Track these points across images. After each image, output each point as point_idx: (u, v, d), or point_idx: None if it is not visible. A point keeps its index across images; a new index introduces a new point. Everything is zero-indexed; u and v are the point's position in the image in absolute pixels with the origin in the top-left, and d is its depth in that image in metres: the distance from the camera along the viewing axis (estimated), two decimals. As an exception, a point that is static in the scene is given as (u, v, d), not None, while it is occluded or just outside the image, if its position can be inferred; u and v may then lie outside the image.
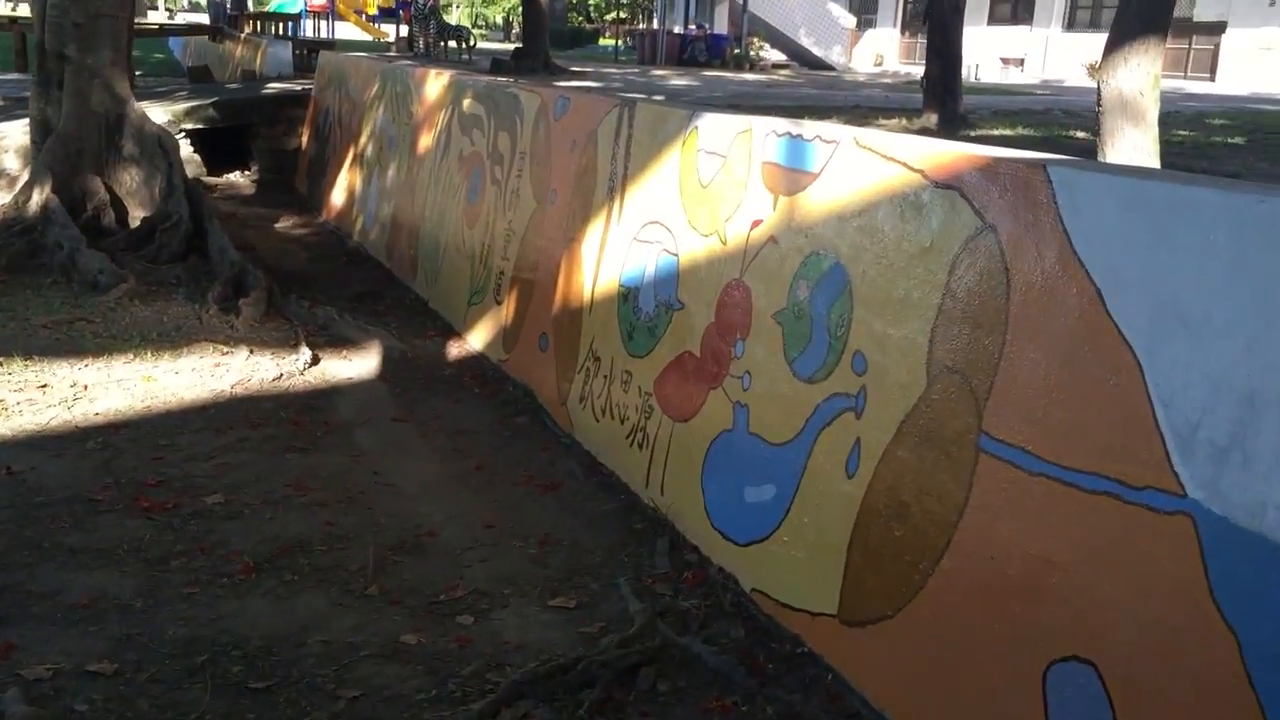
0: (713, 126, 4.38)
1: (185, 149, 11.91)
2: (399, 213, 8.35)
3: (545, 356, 5.58)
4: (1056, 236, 2.72)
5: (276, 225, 10.28)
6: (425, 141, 7.97)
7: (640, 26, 47.19)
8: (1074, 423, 2.60)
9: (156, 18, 47.63)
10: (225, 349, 6.05)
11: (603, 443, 4.93)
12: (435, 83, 8.02)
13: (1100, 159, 8.87)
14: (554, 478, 4.81)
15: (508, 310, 6.13)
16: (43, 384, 5.37)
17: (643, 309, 4.71)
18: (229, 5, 30.07)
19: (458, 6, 61.14)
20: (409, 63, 9.96)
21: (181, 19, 46.21)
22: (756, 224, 3.98)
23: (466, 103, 7.28)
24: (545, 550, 4.10)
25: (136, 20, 32.84)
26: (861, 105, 14.22)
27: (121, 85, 7.80)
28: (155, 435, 4.95)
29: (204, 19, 35.62)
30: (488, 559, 4.01)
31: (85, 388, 5.38)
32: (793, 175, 3.82)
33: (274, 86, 13.83)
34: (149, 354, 5.88)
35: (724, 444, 4.05)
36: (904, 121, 11.24)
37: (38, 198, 7.35)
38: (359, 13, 38.94)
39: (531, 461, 4.98)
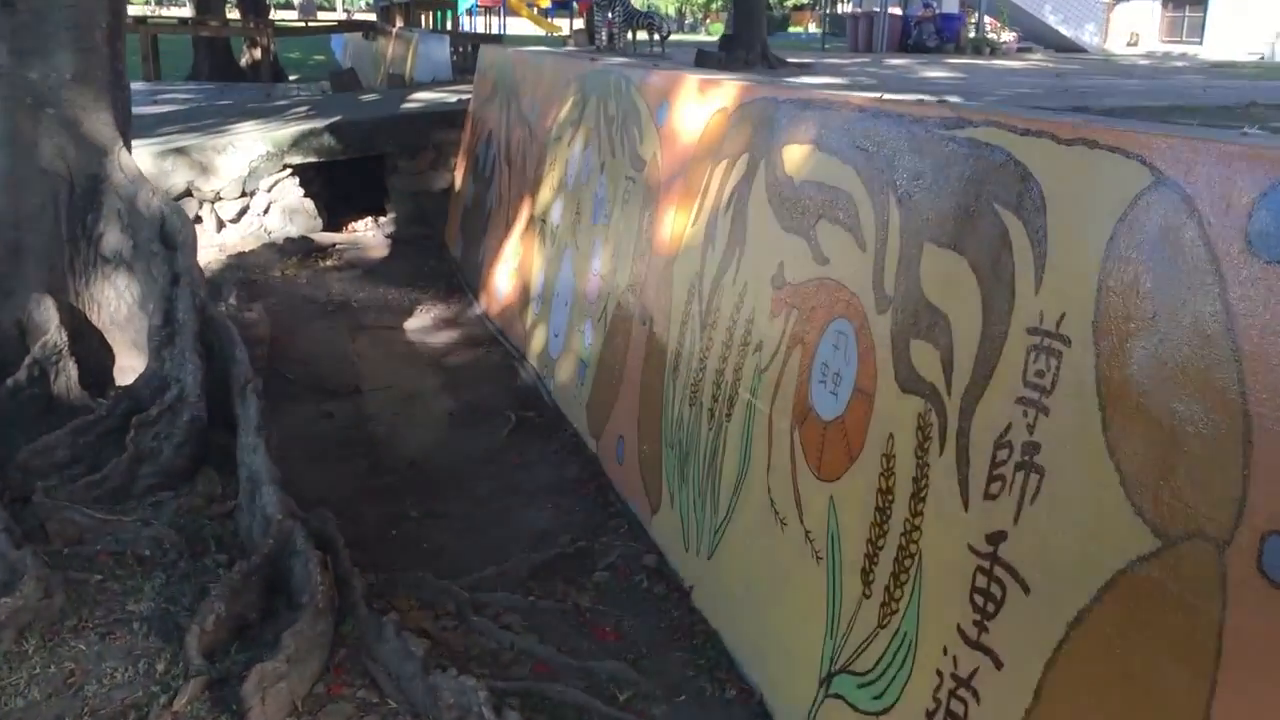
0: None
1: (293, 194, 8.26)
2: (614, 351, 4.33)
3: None
4: None
5: (409, 324, 6.46)
6: (678, 224, 3.93)
7: (839, 10, 42.23)
8: None
9: (331, 19, 44.70)
10: None
11: None
12: (700, 103, 3.98)
13: None
14: None
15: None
16: None
17: None
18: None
19: (656, -5, 56.85)
20: (629, 62, 6.01)
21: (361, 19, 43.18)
22: None
23: (794, 153, 3.18)
24: None
25: (294, 18, 29.22)
26: (1261, 103, 9.45)
27: (99, 121, 4.06)
28: None
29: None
30: None
31: None
32: None
33: (421, 98, 10.07)
34: None
35: None
36: None
37: (-89, 354, 3.65)
38: (531, 5, 35.58)
39: None
